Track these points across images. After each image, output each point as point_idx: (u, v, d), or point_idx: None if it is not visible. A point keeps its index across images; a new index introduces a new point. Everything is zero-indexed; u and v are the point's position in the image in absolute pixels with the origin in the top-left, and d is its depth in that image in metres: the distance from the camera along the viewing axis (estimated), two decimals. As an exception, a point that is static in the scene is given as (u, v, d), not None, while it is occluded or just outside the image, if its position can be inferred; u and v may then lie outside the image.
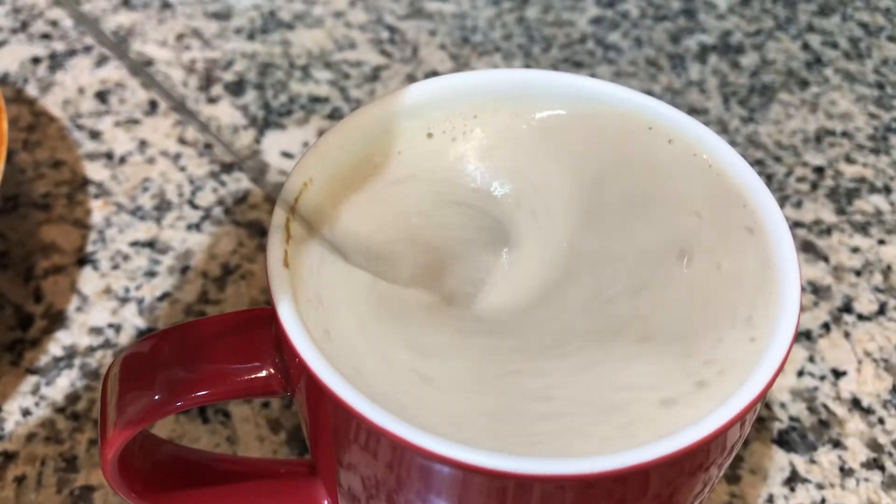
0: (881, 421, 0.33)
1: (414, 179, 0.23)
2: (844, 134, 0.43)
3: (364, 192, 0.22)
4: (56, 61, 0.46)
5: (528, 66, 0.46)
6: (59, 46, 0.47)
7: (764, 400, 0.21)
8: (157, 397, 0.20)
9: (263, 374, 0.21)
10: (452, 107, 0.24)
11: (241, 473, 0.25)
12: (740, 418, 0.19)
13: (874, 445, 0.32)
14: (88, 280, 0.37)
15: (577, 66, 0.46)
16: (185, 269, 0.37)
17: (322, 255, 0.20)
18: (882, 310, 0.36)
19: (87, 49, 0.47)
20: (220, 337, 0.21)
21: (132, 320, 0.35)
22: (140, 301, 0.36)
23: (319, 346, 0.19)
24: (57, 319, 0.36)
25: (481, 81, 0.25)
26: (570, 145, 0.24)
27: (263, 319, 0.21)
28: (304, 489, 0.25)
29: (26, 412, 0.33)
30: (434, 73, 0.45)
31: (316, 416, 0.20)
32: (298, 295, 0.19)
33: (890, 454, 0.32)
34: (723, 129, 0.43)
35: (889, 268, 0.38)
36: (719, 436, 0.18)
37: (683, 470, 0.19)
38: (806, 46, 0.48)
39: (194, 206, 0.40)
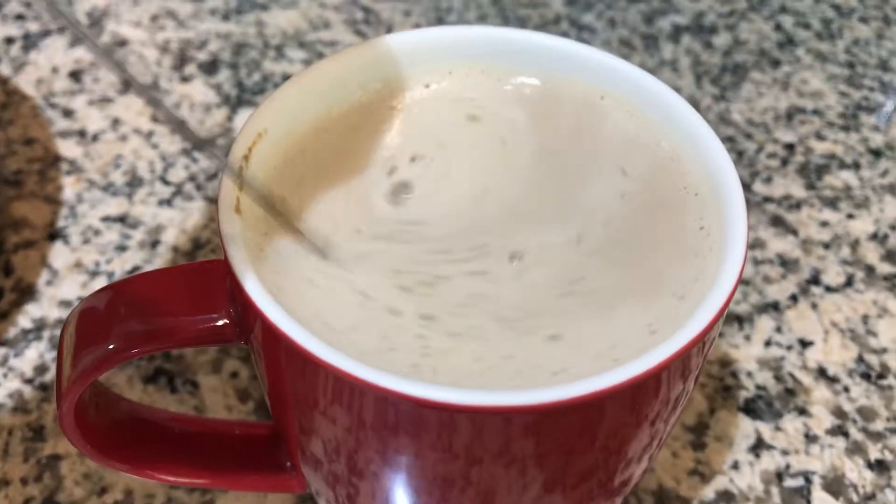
0: (846, 389, 0.33)
1: (367, 133, 0.23)
2: (815, 112, 0.44)
3: (319, 143, 0.22)
4: (30, 41, 0.46)
5: (501, 45, 0.46)
6: (32, 27, 0.47)
7: (702, 352, 0.21)
8: (111, 346, 0.21)
9: (218, 323, 0.21)
10: (414, 64, 0.24)
11: (199, 433, 0.25)
12: (675, 360, 0.19)
13: (839, 413, 0.33)
14: (59, 254, 0.37)
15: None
16: (155, 244, 0.37)
17: (272, 200, 0.20)
18: (849, 282, 0.37)
19: (62, 30, 0.47)
20: (175, 288, 0.21)
21: (102, 293, 0.35)
22: (110, 275, 0.36)
23: (271, 290, 0.19)
24: (27, 293, 0.35)
25: (449, 37, 0.25)
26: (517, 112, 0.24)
27: (217, 270, 0.21)
28: (264, 450, 0.25)
29: (-6, 383, 0.33)
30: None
31: (271, 365, 0.20)
32: (249, 241, 0.19)
33: (854, 421, 0.32)
34: (695, 106, 0.43)
35: (857, 241, 0.38)
36: (654, 375, 0.18)
37: (623, 409, 0.19)
38: (778, 27, 0.48)
39: (166, 183, 0.40)
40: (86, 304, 0.22)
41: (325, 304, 0.19)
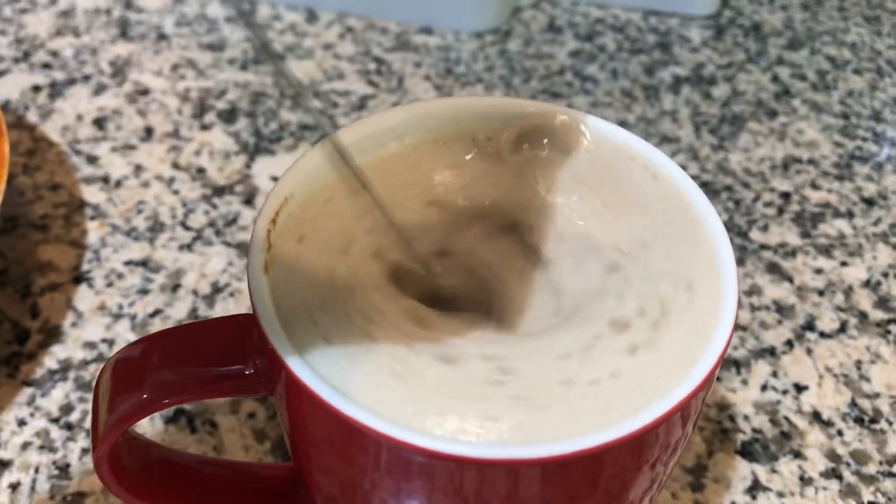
0: (840, 433, 0.35)
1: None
2: (811, 161, 0.45)
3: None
4: (56, 89, 0.48)
5: (507, 96, 0.48)
6: (58, 75, 0.49)
7: (699, 401, 0.22)
8: (145, 396, 0.22)
9: (245, 374, 0.22)
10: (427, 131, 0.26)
11: (225, 475, 0.26)
12: (676, 412, 0.20)
13: (833, 456, 0.34)
14: (83, 297, 0.38)
15: (555, 96, 0.48)
16: (176, 287, 0.39)
17: (299, 262, 0.22)
18: (843, 328, 0.38)
19: (86, 78, 0.49)
20: (205, 340, 0.23)
21: (125, 335, 0.37)
22: (133, 317, 0.38)
23: (298, 347, 0.20)
24: (53, 334, 0.37)
25: (447, 109, 0.27)
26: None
27: (246, 324, 0.22)
28: (284, 491, 0.26)
29: (21, 422, 0.34)
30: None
31: (294, 416, 0.22)
32: (279, 299, 0.21)
33: (847, 464, 0.34)
34: (693, 156, 0.45)
35: (850, 288, 0.40)
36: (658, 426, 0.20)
37: (626, 458, 0.21)
38: (775, 78, 0.50)
39: (186, 228, 0.41)
40: (121, 353, 0.23)
41: (349, 359, 0.20)
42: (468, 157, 0.26)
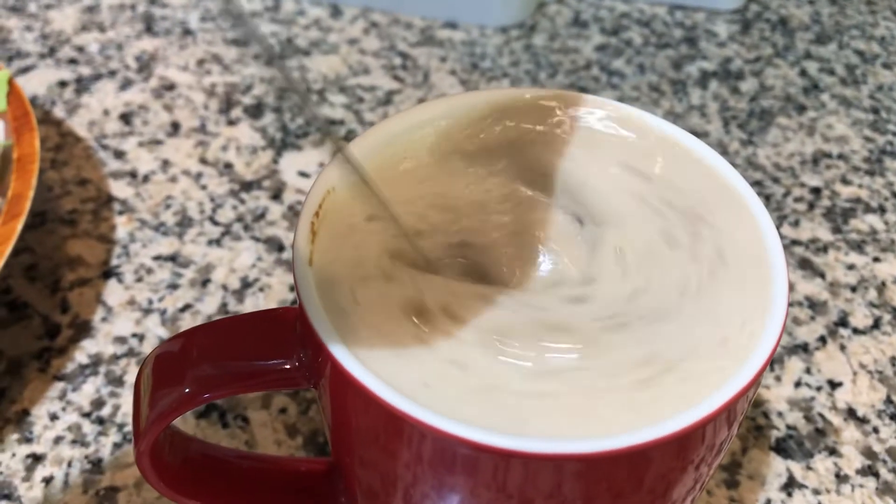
0: (875, 430, 0.34)
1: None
2: (840, 156, 0.45)
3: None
4: (82, 85, 0.48)
5: (535, 90, 0.48)
6: (85, 71, 0.49)
7: (745, 404, 0.22)
8: (187, 391, 0.22)
9: (286, 368, 0.22)
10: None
11: (263, 470, 0.26)
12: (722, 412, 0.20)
13: (869, 453, 0.34)
14: (113, 292, 0.38)
15: (582, 90, 0.48)
16: (205, 282, 0.39)
17: (343, 254, 0.22)
18: (877, 324, 0.38)
19: (112, 73, 0.49)
20: (245, 334, 0.23)
21: (155, 330, 0.37)
22: (163, 312, 0.38)
23: (344, 339, 0.20)
24: (83, 329, 0.37)
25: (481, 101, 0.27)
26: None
27: (287, 318, 0.22)
28: (322, 485, 0.26)
29: (54, 416, 0.34)
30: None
31: (338, 409, 0.22)
32: (324, 292, 0.21)
33: (884, 461, 0.33)
34: (723, 151, 0.45)
35: (883, 284, 0.39)
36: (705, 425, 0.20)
37: (670, 457, 0.21)
38: (803, 73, 0.50)
39: (215, 223, 0.41)
40: (161, 349, 0.23)
41: (395, 351, 0.20)
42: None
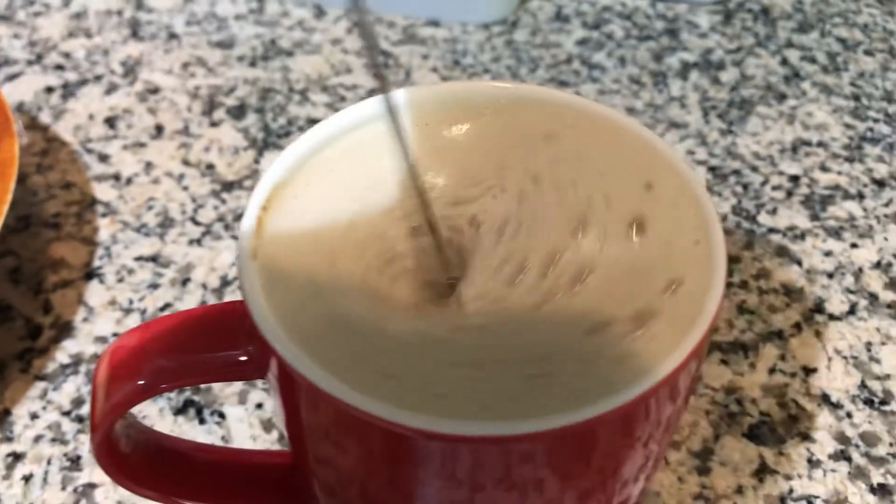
0: (849, 415, 0.34)
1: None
2: (820, 144, 0.45)
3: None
4: (68, 90, 0.49)
5: (514, 85, 0.48)
6: (71, 76, 0.49)
7: (689, 377, 0.22)
8: (141, 382, 0.22)
9: (239, 359, 0.22)
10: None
11: (224, 462, 0.27)
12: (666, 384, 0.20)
13: (842, 438, 0.34)
14: (95, 293, 0.39)
15: (562, 84, 0.48)
16: (185, 282, 0.39)
17: (291, 248, 0.22)
18: (853, 310, 0.38)
19: (98, 78, 0.49)
20: (200, 327, 0.23)
21: (135, 329, 0.37)
22: (143, 311, 0.38)
23: (287, 332, 0.20)
24: (64, 330, 0.38)
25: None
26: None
27: (240, 310, 0.23)
28: (284, 477, 0.26)
29: (34, 415, 0.35)
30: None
31: (286, 402, 0.22)
32: (269, 285, 0.21)
33: (857, 446, 0.33)
34: (702, 140, 0.45)
35: (861, 270, 0.39)
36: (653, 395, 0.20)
37: (614, 436, 0.21)
38: (785, 62, 0.50)
39: (196, 223, 0.42)
40: (118, 342, 0.24)
41: (339, 345, 0.21)
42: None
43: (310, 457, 0.23)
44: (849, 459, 0.33)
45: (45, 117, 0.47)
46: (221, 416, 0.35)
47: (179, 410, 0.35)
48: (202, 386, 0.36)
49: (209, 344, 0.23)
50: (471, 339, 0.21)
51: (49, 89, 0.49)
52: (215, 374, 0.23)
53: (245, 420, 0.34)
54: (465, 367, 0.21)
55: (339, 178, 0.24)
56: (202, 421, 0.35)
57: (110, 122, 0.47)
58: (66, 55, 0.51)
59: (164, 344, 0.23)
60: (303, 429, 0.22)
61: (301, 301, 0.21)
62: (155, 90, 0.49)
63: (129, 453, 0.24)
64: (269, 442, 0.34)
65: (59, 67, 0.50)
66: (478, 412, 0.21)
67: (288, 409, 0.22)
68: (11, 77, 0.49)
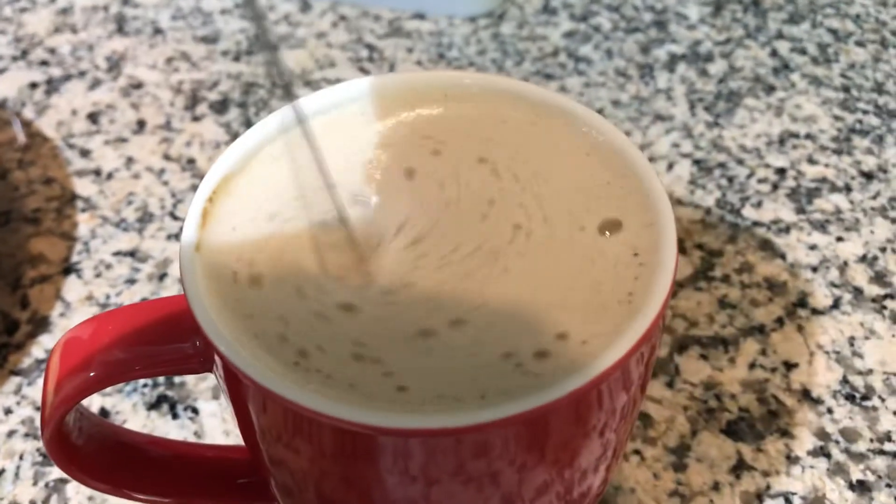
0: (830, 410, 0.34)
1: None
2: (808, 136, 0.44)
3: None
4: (52, 86, 0.49)
5: (499, 78, 0.47)
6: (55, 72, 0.49)
7: (641, 364, 0.22)
8: (92, 374, 0.22)
9: (187, 353, 0.22)
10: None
11: (179, 456, 0.26)
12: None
13: (821, 434, 0.33)
14: (72, 288, 0.39)
15: (547, 77, 0.47)
16: (162, 276, 0.39)
17: (236, 240, 0.22)
18: (836, 304, 0.37)
19: (82, 74, 0.49)
20: (151, 319, 0.23)
21: (111, 324, 0.37)
22: (119, 307, 0.38)
23: (230, 329, 0.20)
24: (41, 325, 0.37)
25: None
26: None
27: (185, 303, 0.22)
28: (240, 471, 0.26)
29: (8, 410, 0.35)
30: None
31: (234, 399, 0.22)
32: (211, 278, 0.21)
33: (836, 442, 0.33)
34: (687, 133, 0.44)
35: (846, 264, 0.38)
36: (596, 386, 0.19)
37: (565, 423, 0.20)
38: (774, 53, 0.49)
39: (175, 218, 0.41)
40: (70, 333, 0.23)
41: (283, 332, 0.20)
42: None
43: (263, 454, 0.23)
44: (828, 456, 0.32)
45: (28, 113, 0.47)
46: (195, 411, 0.34)
47: (153, 406, 0.35)
48: (175, 380, 0.35)
49: (160, 336, 0.23)
50: (426, 324, 0.21)
51: (33, 85, 0.49)
52: (166, 366, 0.22)
53: (218, 415, 0.34)
54: (422, 356, 0.20)
55: (285, 168, 0.24)
56: (175, 416, 0.34)
57: (93, 117, 0.47)
58: (52, 51, 0.51)
59: (115, 336, 0.23)
60: (252, 426, 0.22)
61: (245, 295, 0.21)
62: (138, 85, 0.48)
63: (81, 445, 0.24)
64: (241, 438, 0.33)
65: (44, 63, 0.50)
66: (431, 404, 0.20)
67: (235, 406, 0.22)
68: (-4, 73, 0.49)
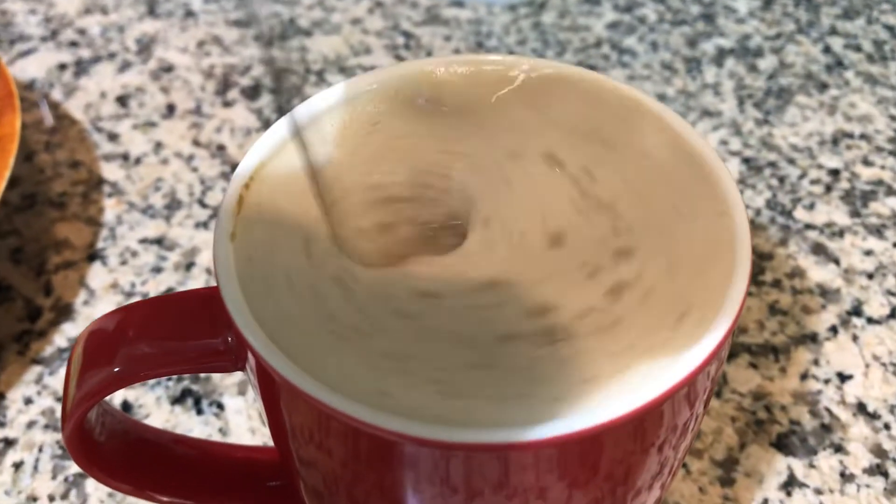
0: (887, 426, 0.32)
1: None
2: (863, 136, 0.42)
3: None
4: (81, 67, 0.47)
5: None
6: (85, 53, 0.48)
7: (708, 379, 0.20)
8: (116, 370, 0.21)
9: (217, 350, 0.21)
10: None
11: (204, 455, 0.25)
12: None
13: (878, 451, 0.31)
14: (97, 275, 0.38)
15: (590, 69, 0.46)
16: (189, 266, 0.38)
17: (272, 228, 0.20)
18: (893, 313, 0.35)
19: (112, 56, 0.48)
20: (179, 312, 0.21)
21: (136, 314, 0.36)
22: (145, 296, 0.37)
23: (262, 321, 0.19)
24: (64, 312, 0.36)
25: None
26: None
27: (218, 297, 0.21)
28: (267, 473, 0.25)
29: (28, 400, 0.34)
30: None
31: (266, 398, 0.20)
32: (247, 270, 0.19)
33: (894, 460, 0.31)
34: (736, 130, 0.42)
35: (903, 271, 0.37)
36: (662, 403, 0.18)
37: (624, 441, 0.19)
38: (827, 49, 0.47)
39: (203, 206, 0.40)
40: (94, 325, 0.22)
41: (318, 337, 0.19)
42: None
43: (294, 458, 0.22)
44: (885, 474, 0.31)
45: (56, 94, 0.46)
46: (220, 406, 0.33)
47: (177, 400, 0.33)
48: (201, 375, 0.34)
49: (189, 330, 0.21)
50: (468, 329, 0.19)
51: (62, 66, 0.48)
52: (195, 363, 0.21)
53: (244, 412, 0.33)
54: (463, 367, 0.19)
55: (326, 153, 0.22)
56: (200, 411, 0.33)
57: (122, 100, 0.46)
58: (81, 32, 0.50)
59: (142, 329, 0.22)
60: (284, 427, 0.21)
61: (280, 288, 0.19)
62: (169, 69, 0.47)
63: (103, 443, 0.22)
64: (267, 436, 0.32)
65: (74, 44, 0.49)
66: (473, 415, 0.19)
67: (267, 407, 0.21)
68: (25, 53, 0.48)
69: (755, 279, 0.36)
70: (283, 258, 0.20)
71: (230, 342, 0.21)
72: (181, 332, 0.21)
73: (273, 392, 0.19)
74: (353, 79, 0.24)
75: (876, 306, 0.35)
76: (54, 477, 0.31)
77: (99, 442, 0.22)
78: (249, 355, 0.19)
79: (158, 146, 0.43)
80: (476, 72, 0.25)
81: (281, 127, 0.23)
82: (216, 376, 0.34)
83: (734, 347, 0.34)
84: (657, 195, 0.22)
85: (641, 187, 0.22)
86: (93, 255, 0.38)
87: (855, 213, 0.39)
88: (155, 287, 0.37)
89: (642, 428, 0.19)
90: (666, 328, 0.19)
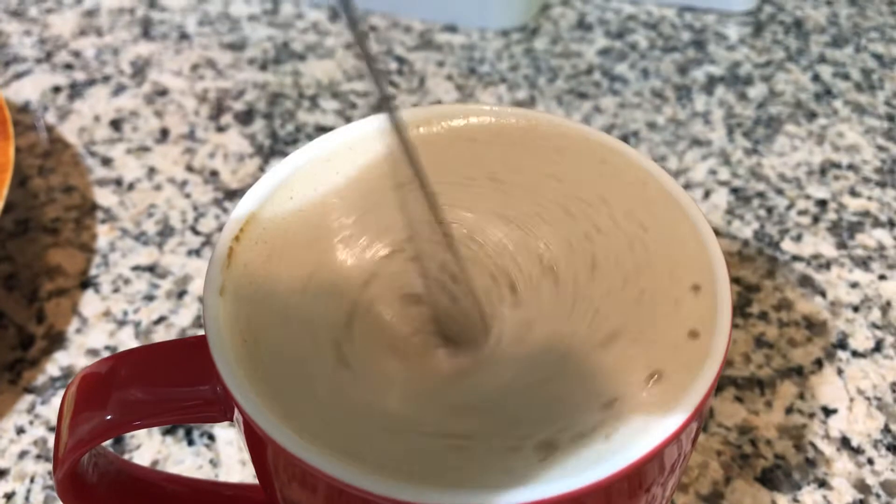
0: (870, 461, 0.32)
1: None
2: (850, 167, 0.43)
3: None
4: (75, 90, 0.48)
5: (532, 97, 0.46)
6: (79, 76, 0.48)
7: (696, 426, 0.20)
8: (109, 417, 0.21)
9: (207, 399, 0.21)
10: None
11: (195, 494, 0.25)
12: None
13: (861, 486, 0.32)
14: (89, 303, 0.38)
15: (581, 96, 0.46)
16: (182, 294, 0.38)
17: (263, 284, 0.21)
18: (878, 347, 0.36)
19: (106, 78, 0.48)
20: (176, 361, 0.22)
21: (128, 343, 0.36)
22: (137, 324, 0.37)
23: (251, 380, 0.19)
24: (57, 340, 0.37)
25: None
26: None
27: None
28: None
29: (20, 430, 0.34)
30: (439, 103, 0.46)
31: (252, 450, 0.21)
32: (235, 324, 0.20)
33: (877, 496, 0.31)
34: (725, 160, 0.43)
35: (888, 304, 0.37)
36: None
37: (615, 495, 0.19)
38: (816, 78, 0.47)
39: (196, 233, 0.40)
40: (87, 370, 0.22)
41: (306, 397, 0.19)
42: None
43: (279, 500, 0.22)
44: (868, 509, 0.31)
45: (50, 118, 0.46)
46: (211, 437, 0.33)
47: (168, 430, 0.34)
48: (192, 405, 0.34)
49: (180, 379, 0.21)
50: (461, 398, 0.20)
51: (56, 89, 0.48)
52: (186, 412, 0.21)
53: (234, 443, 0.33)
54: (450, 437, 0.19)
55: (320, 205, 0.23)
56: (191, 442, 0.33)
57: (115, 124, 0.46)
58: (76, 54, 0.50)
59: (134, 375, 0.22)
60: (270, 477, 0.21)
61: (270, 348, 0.20)
62: (163, 92, 0.47)
63: (95, 485, 0.23)
64: (258, 467, 0.32)
65: (68, 66, 0.49)
66: (453, 478, 0.19)
67: (254, 457, 0.21)
68: (19, 75, 0.49)
69: (742, 311, 0.37)
70: (279, 315, 0.20)
71: (219, 392, 0.21)
72: (171, 380, 0.22)
73: (262, 450, 0.19)
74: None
75: (861, 339, 0.36)
76: (46, 508, 0.32)
77: (91, 484, 0.22)
78: (236, 410, 0.19)
79: (152, 171, 0.43)
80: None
81: (273, 175, 0.23)
82: (207, 406, 0.34)
83: (720, 380, 0.34)
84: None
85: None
86: (86, 283, 0.39)
87: (841, 245, 0.39)
88: (147, 315, 0.37)
89: (632, 483, 0.19)
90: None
